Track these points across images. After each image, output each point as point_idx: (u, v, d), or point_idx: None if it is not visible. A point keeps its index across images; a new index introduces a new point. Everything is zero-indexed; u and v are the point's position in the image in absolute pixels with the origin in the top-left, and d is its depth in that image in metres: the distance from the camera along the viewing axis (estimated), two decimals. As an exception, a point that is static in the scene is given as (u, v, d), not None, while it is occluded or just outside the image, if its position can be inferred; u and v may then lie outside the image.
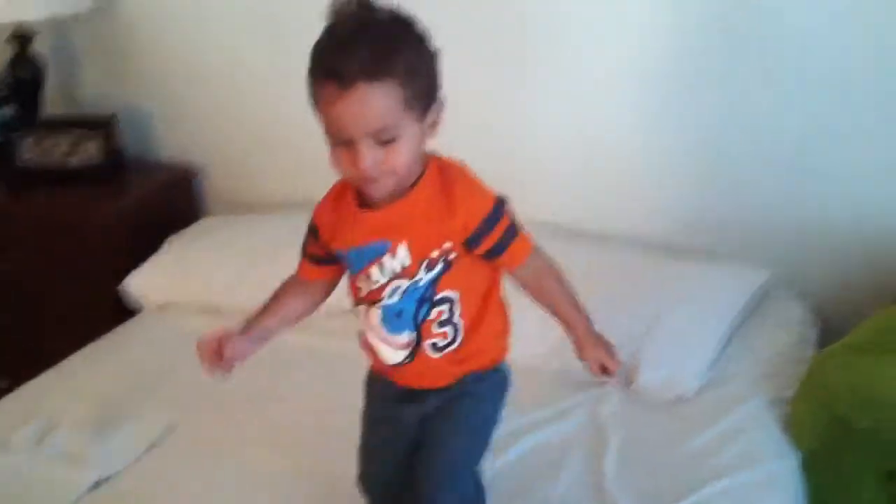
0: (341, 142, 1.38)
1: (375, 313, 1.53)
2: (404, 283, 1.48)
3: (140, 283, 2.69)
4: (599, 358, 1.60)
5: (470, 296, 1.52)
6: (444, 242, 1.45)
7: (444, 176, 1.46)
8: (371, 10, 1.38)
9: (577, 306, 1.59)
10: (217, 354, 1.60)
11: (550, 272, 1.57)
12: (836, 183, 2.44)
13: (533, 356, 2.15)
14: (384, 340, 1.54)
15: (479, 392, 1.60)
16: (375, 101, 1.33)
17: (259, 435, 2.07)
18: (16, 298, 2.86)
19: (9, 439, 2.06)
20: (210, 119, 3.09)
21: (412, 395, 1.61)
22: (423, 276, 1.47)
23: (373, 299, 1.52)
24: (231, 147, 3.11)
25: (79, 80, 3.21)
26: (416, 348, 1.53)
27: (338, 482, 1.81)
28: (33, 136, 2.95)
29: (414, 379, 1.59)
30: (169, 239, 2.83)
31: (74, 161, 2.94)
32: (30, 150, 2.94)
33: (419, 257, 1.46)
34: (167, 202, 3.08)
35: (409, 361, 1.55)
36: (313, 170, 2.82)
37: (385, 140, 1.36)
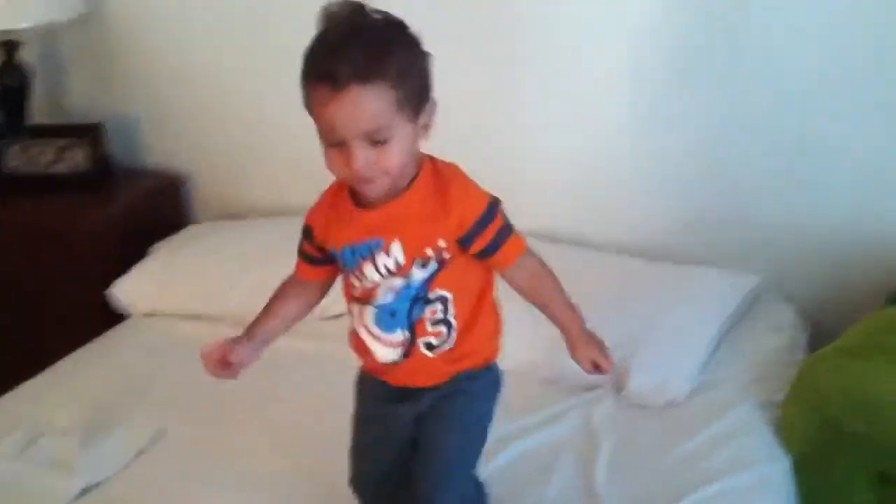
0: (335, 143, 1.40)
1: (369, 312, 1.53)
2: (398, 282, 1.49)
3: (127, 291, 2.67)
4: (592, 356, 1.61)
5: (464, 295, 1.53)
6: (438, 241, 1.46)
7: (438, 176, 1.48)
8: (363, 14, 1.40)
9: (570, 305, 1.61)
10: (222, 363, 1.62)
11: (543, 272, 1.58)
12: (826, 187, 2.44)
13: (523, 361, 2.14)
14: (378, 339, 1.55)
15: (473, 390, 1.60)
16: (368, 103, 1.35)
17: (249, 440, 2.06)
18: (2, 306, 2.84)
19: (-5, 446, 2.04)
20: (197, 126, 3.08)
21: (405, 394, 1.61)
22: (417, 275, 1.48)
23: (366, 298, 1.53)
24: (218, 154, 3.10)
25: (66, 88, 3.19)
26: (409, 347, 1.53)
27: (332, 486, 1.80)
28: (20, 143, 2.94)
29: (407, 378, 1.59)
30: (156, 246, 2.83)
31: (61, 168, 2.93)
32: (16, 158, 2.93)
33: (413, 255, 1.47)
34: (154, 209, 3.07)
35: (403, 360, 1.55)
36: (300, 177, 2.83)
37: (378, 141, 1.38)
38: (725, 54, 2.42)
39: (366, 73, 1.34)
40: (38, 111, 3.08)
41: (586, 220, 2.68)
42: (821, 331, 2.37)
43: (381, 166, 1.40)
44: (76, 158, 2.94)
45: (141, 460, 2.02)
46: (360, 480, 1.72)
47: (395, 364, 1.56)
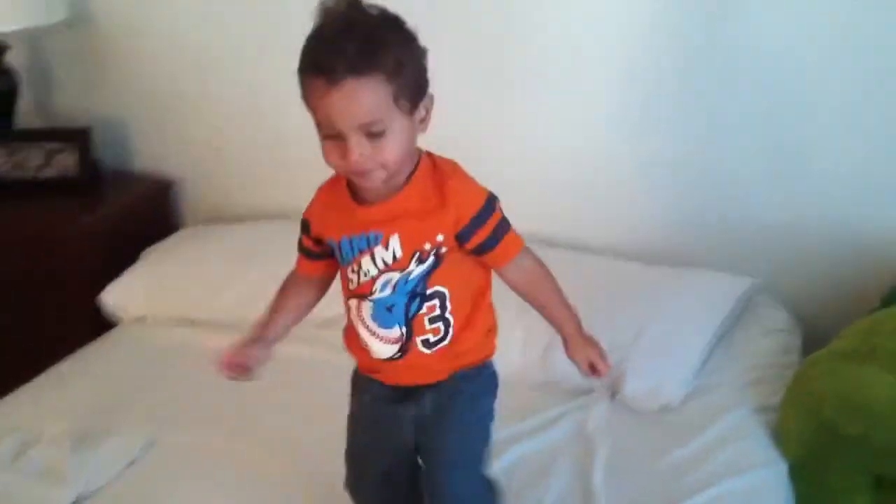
0: (331, 135, 1.41)
1: (367, 307, 1.54)
2: (395, 276, 1.49)
3: (117, 296, 2.66)
4: (590, 357, 1.62)
5: (461, 293, 1.53)
6: (436, 235, 1.47)
7: (437, 172, 1.49)
8: (359, 9, 1.41)
9: (567, 306, 1.62)
10: (239, 366, 1.62)
11: (541, 271, 1.59)
12: (818, 190, 2.44)
13: (517, 366, 2.14)
14: (375, 335, 1.55)
15: (472, 390, 1.61)
16: (363, 96, 1.36)
17: (241, 448, 2.05)
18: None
19: (-15, 457, 2.03)
20: (186, 130, 3.07)
21: (404, 395, 1.61)
22: (415, 270, 1.48)
23: (364, 293, 1.53)
24: (208, 158, 3.09)
25: (54, 93, 3.18)
26: (406, 344, 1.53)
27: (327, 494, 1.79)
28: (7, 148, 2.92)
29: (404, 375, 1.59)
30: (146, 251, 2.81)
31: (50, 173, 2.92)
32: (4, 163, 2.92)
33: (411, 249, 1.47)
34: (143, 213, 3.06)
35: (400, 357, 1.55)
36: (290, 180, 2.83)
37: (374, 133, 1.39)
38: (719, 57, 2.42)
39: (361, 66, 1.35)
40: (26, 115, 3.07)
41: (579, 223, 2.67)
42: (815, 333, 2.36)
43: (377, 159, 1.40)
44: (65, 163, 2.93)
45: (133, 469, 2.00)
46: (356, 483, 1.72)
47: (391, 361, 1.56)
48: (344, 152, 1.39)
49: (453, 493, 1.59)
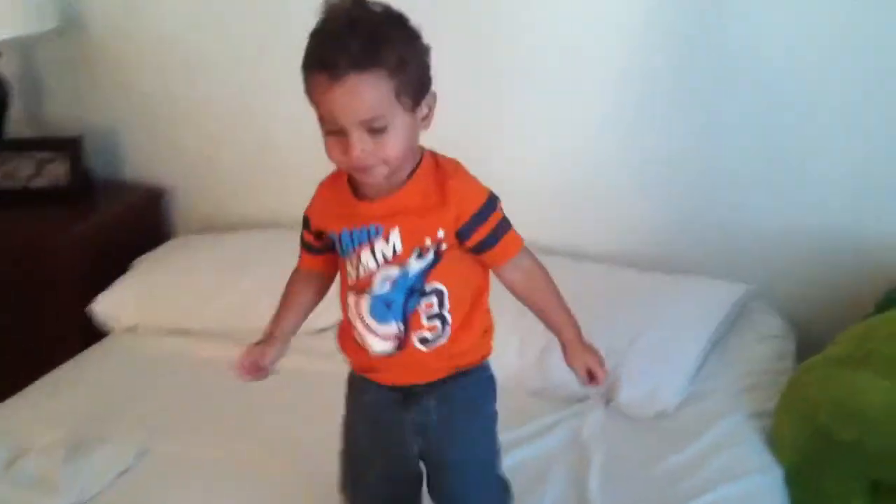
0: (334, 131, 1.42)
1: (365, 302, 1.53)
2: (394, 271, 1.49)
3: (108, 305, 2.65)
4: (588, 363, 1.62)
5: (460, 291, 1.53)
6: (437, 231, 1.47)
7: (439, 170, 1.50)
8: (363, 6, 1.42)
9: (566, 310, 1.62)
10: (255, 368, 1.63)
11: (540, 274, 1.59)
12: (812, 196, 2.45)
13: (512, 372, 2.12)
14: (372, 331, 1.54)
15: (472, 396, 1.62)
16: (366, 91, 1.37)
17: (233, 457, 2.03)
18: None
19: (-24, 467, 2.01)
20: (178, 139, 3.06)
21: (404, 397, 1.60)
22: (414, 265, 1.49)
23: (362, 287, 1.53)
24: (199, 167, 3.08)
25: (44, 102, 3.17)
26: (403, 340, 1.53)
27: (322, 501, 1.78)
28: (-2, 157, 2.91)
29: (401, 374, 1.59)
30: (137, 260, 2.80)
31: (41, 182, 2.91)
32: (-5, 172, 2.91)
33: (411, 244, 1.48)
34: (135, 223, 3.06)
35: (396, 353, 1.54)
36: (282, 188, 2.83)
37: (376, 129, 1.40)
38: (717, 57, 2.42)
39: (364, 62, 1.36)
40: (17, 125, 3.06)
41: (573, 229, 2.67)
42: (809, 339, 2.36)
43: (379, 155, 1.41)
44: (56, 172, 2.92)
45: (125, 478, 1.99)
46: (354, 485, 1.72)
47: (387, 357, 1.56)
48: (346, 148, 1.40)
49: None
